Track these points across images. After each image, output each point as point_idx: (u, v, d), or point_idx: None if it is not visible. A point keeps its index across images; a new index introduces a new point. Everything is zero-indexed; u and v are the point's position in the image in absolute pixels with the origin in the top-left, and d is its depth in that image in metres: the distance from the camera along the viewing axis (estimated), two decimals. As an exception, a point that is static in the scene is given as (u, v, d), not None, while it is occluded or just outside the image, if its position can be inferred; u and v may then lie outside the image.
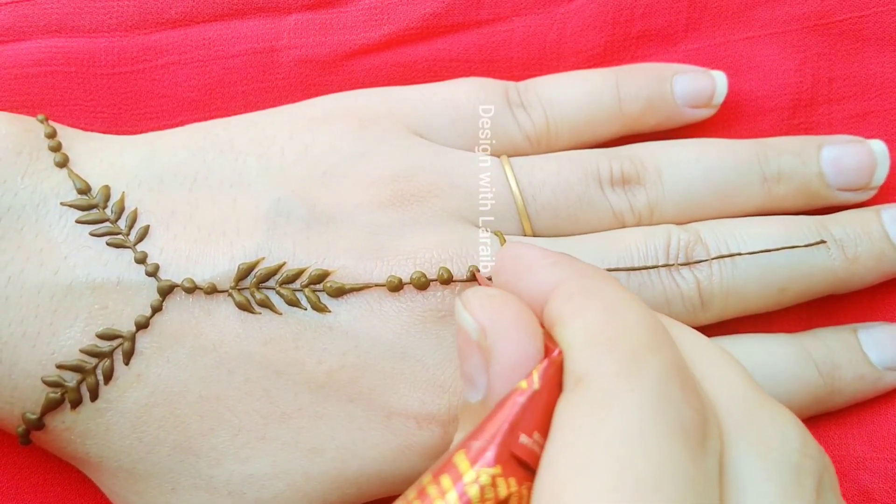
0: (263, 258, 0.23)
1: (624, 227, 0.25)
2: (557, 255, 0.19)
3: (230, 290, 0.22)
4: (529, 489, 0.16)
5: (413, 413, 0.23)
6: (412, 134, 0.25)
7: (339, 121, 0.25)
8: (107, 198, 0.23)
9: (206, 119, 0.27)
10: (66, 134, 0.25)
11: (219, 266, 0.23)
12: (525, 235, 0.25)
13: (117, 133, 0.27)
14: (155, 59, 0.27)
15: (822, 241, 0.25)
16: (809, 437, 0.17)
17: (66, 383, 0.22)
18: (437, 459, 0.23)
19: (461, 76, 0.28)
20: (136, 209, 0.23)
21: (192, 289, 0.22)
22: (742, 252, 0.24)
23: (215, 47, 0.27)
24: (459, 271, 0.23)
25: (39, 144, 0.24)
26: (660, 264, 0.24)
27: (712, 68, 0.27)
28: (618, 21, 0.28)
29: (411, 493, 0.16)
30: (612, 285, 0.18)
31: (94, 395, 0.22)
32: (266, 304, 0.23)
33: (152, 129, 0.27)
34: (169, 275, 0.22)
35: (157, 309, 0.22)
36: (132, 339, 0.22)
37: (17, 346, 0.22)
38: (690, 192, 0.25)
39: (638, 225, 0.25)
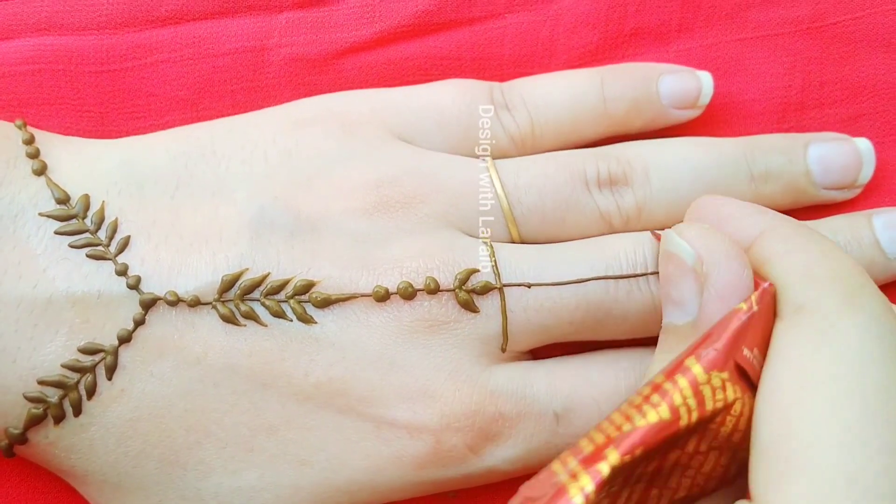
0: (247, 269, 0.22)
1: (612, 228, 0.25)
2: (759, 206, 0.21)
3: (214, 303, 0.22)
4: (751, 398, 0.18)
5: (403, 423, 0.22)
6: (396, 138, 0.25)
7: (322, 125, 0.25)
8: (86, 207, 0.23)
9: (195, 118, 0.26)
10: (45, 139, 0.24)
11: (202, 277, 0.22)
12: (512, 241, 0.24)
13: (105, 131, 0.26)
14: (144, 58, 0.27)
15: None
16: None
17: (48, 399, 0.22)
18: (427, 468, 0.23)
19: (453, 74, 0.27)
20: (116, 219, 0.23)
21: (175, 302, 0.22)
22: None
23: (205, 45, 0.27)
24: (446, 279, 0.23)
25: (17, 152, 0.23)
26: (648, 272, 0.24)
27: (703, 69, 0.27)
28: (611, 19, 0.28)
29: (646, 390, 0.18)
30: (820, 234, 0.20)
31: (78, 411, 0.22)
32: (251, 316, 0.22)
33: (140, 128, 0.26)
34: (151, 286, 0.22)
35: (139, 322, 0.22)
36: (115, 353, 0.22)
37: (-3, 361, 0.21)
38: (678, 191, 0.25)
39: (626, 226, 0.25)
